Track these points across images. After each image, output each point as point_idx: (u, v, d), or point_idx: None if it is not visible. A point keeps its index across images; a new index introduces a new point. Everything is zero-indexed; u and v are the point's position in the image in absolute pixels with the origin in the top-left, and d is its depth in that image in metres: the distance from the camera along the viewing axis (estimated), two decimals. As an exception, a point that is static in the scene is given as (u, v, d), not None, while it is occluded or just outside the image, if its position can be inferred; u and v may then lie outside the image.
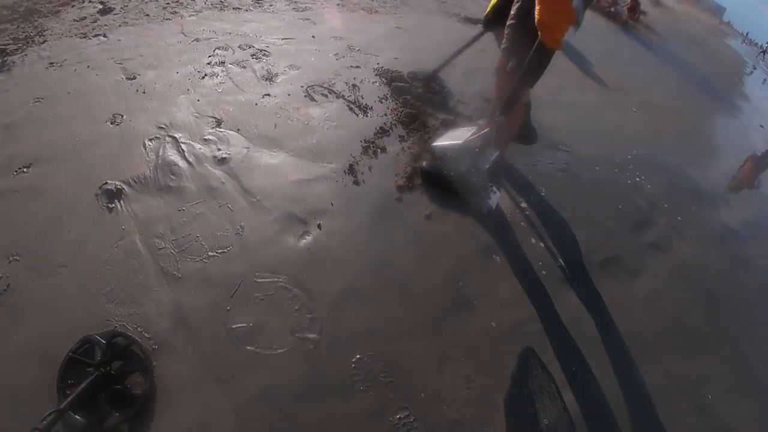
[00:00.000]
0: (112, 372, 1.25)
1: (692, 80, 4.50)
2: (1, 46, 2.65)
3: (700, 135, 3.43)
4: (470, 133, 1.51)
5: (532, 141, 2.32)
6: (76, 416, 1.17)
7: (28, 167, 1.87)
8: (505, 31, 1.68)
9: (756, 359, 1.77)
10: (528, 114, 2.21)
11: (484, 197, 1.50)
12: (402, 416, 1.32)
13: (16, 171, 1.85)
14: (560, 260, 1.86)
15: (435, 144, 1.52)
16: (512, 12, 1.65)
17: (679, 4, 7.39)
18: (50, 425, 1.12)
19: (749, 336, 1.85)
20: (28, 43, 2.71)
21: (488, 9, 1.93)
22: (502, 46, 1.70)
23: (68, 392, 1.20)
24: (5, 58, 2.55)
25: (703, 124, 3.62)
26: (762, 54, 6.89)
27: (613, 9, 5.47)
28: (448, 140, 1.49)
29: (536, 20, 1.29)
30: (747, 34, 7.84)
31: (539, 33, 1.31)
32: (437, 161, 1.56)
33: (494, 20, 1.88)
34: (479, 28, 2.18)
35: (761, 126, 4.12)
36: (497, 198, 1.54)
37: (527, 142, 2.30)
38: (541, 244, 1.90)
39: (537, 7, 1.27)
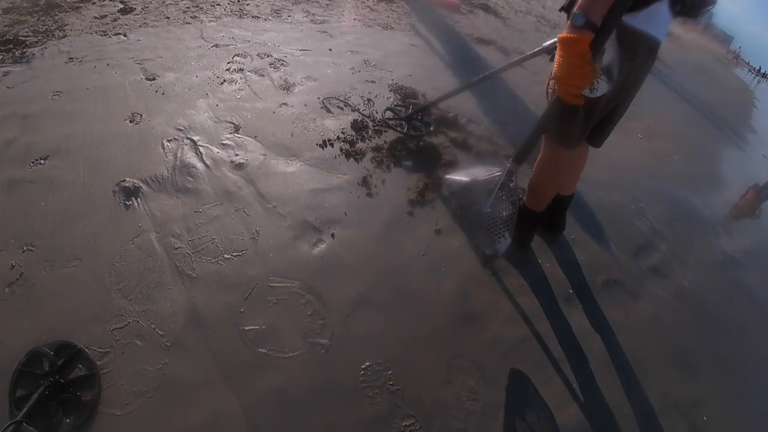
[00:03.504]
0: (62, 381, 1.27)
1: (698, 109, 4.60)
2: (22, 38, 2.67)
3: (704, 163, 3.51)
4: (484, 174, 1.53)
5: (554, 232, 2.06)
6: (30, 426, 1.19)
7: (45, 159, 1.89)
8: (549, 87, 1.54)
9: (751, 384, 1.83)
10: (563, 206, 1.99)
11: (491, 241, 1.53)
12: (408, 423, 1.36)
13: (33, 162, 1.87)
14: (564, 280, 1.92)
15: (447, 176, 1.55)
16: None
17: (687, 33, 7.52)
18: None
19: (745, 361, 1.92)
20: (48, 36, 2.74)
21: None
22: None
23: (19, 403, 1.22)
24: (25, 50, 2.58)
25: (707, 153, 3.72)
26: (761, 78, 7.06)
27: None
28: (460, 175, 1.53)
29: (553, 72, 1.25)
30: (749, 62, 8.00)
31: (556, 85, 1.26)
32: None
33: None
34: (491, 50, 2.18)
35: (764, 156, 4.22)
36: (505, 245, 1.57)
37: (551, 232, 2.06)
38: (547, 264, 1.96)
39: (556, 58, 1.23)
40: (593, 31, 1.15)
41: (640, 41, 1.30)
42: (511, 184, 1.54)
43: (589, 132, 1.54)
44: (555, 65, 1.23)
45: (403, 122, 2.36)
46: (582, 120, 1.45)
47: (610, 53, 1.27)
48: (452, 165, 2.28)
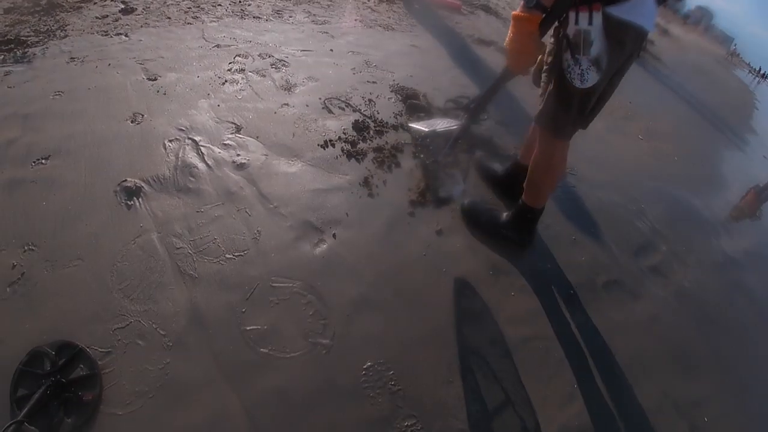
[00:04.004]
0: (63, 381, 1.27)
1: (698, 109, 4.61)
2: (23, 38, 2.68)
3: (704, 164, 3.52)
4: (443, 125, 1.63)
5: (512, 199, 1.96)
6: (31, 426, 1.19)
7: (46, 159, 1.89)
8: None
9: (752, 385, 1.83)
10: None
11: (446, 186, 1.59)
12: (409, 424, 1.36)
13: (34, 162, 1.87)
14: (564, 280, 1.93)
15: (410, 124, 1.68)
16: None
17: (687, 34, 7.55)
18: None
19: (745, 362, 1.92)
20: (49, 36, 2.74)
21: None
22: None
23: (21, 403, 1.22)
24: (26, 50, 2.58)
25: (707, 154, 3.73)
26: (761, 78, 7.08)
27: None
28: (421, 125, 1.63)
29: (504, 45, 1.41)
30: (749, 63, 8.01)
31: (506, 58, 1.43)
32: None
33: None
34: (492, 50, 2.28)
35: (765, 157, 4.24)
36: (459, 190, 1.63)
37: (510, 199, 1.99)
38: (547, 264, 1.96)
39: (508, 34, 1.37)
40: (543, 12, 1.27)
41: (628, 31, 1.34)
42: (465, 137, 1.65)
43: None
44: (506, 40, 1.37)
45: (462, 111, 2.45)
46: (577, 111, 1.49)
47: (598, 45, 1.31)
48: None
